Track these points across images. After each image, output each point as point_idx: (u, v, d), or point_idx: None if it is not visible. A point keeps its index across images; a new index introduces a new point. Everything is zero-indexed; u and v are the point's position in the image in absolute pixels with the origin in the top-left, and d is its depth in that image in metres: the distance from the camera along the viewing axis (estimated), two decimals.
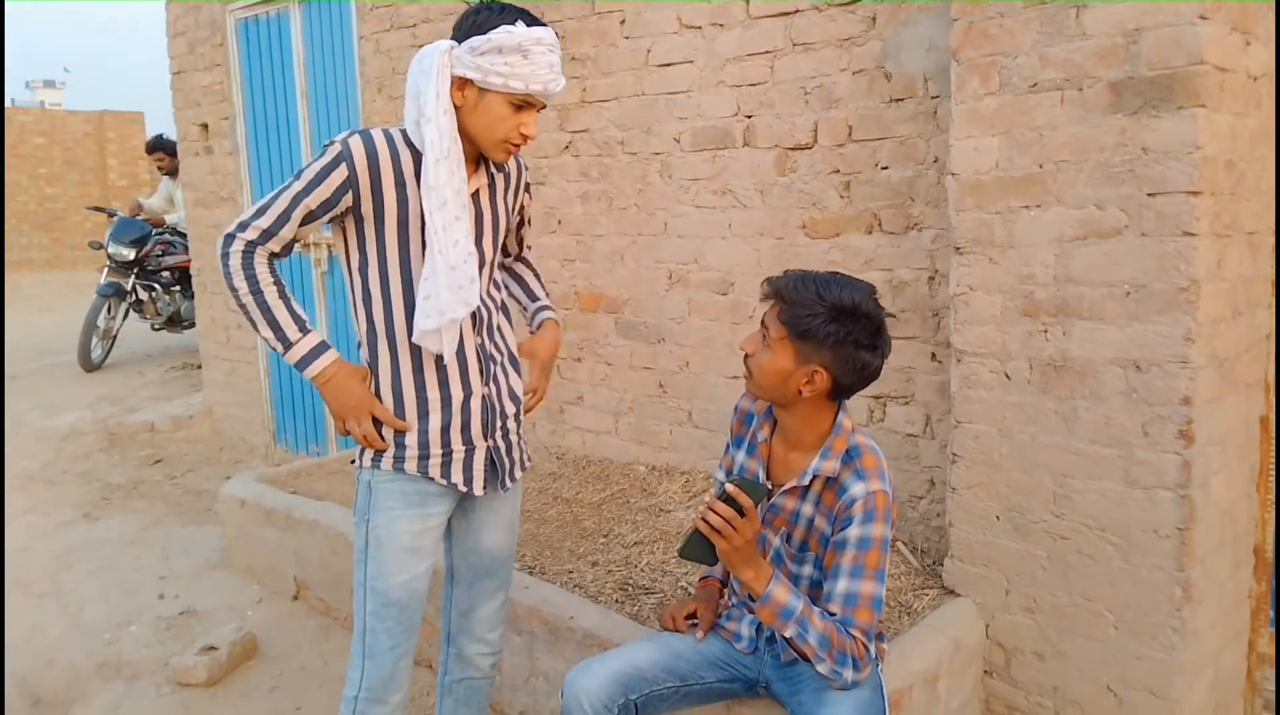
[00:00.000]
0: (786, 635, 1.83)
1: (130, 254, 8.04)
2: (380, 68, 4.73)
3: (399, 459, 2.08)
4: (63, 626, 3.77)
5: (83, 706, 3.20)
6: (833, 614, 1.86)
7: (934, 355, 3.02)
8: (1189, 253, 2.30)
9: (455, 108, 1.95)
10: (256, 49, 5.54)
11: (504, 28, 1.89)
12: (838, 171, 3.18)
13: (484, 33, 1.90)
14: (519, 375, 2.26)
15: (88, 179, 16.59)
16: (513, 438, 2.23)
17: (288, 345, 2.00)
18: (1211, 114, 2.29)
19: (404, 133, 2.01)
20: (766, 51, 3.30)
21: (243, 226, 1.98)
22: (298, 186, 1.96)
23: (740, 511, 1.80)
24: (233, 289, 1.98)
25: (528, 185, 2.27)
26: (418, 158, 1.99)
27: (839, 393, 1.95)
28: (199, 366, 7.25)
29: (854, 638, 1.84)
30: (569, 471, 4.03)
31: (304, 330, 2.02)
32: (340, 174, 1.95)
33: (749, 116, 3.39)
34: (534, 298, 2.42)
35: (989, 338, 2.64)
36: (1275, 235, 2.69)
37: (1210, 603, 2.52)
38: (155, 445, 6.25)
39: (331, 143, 1.97)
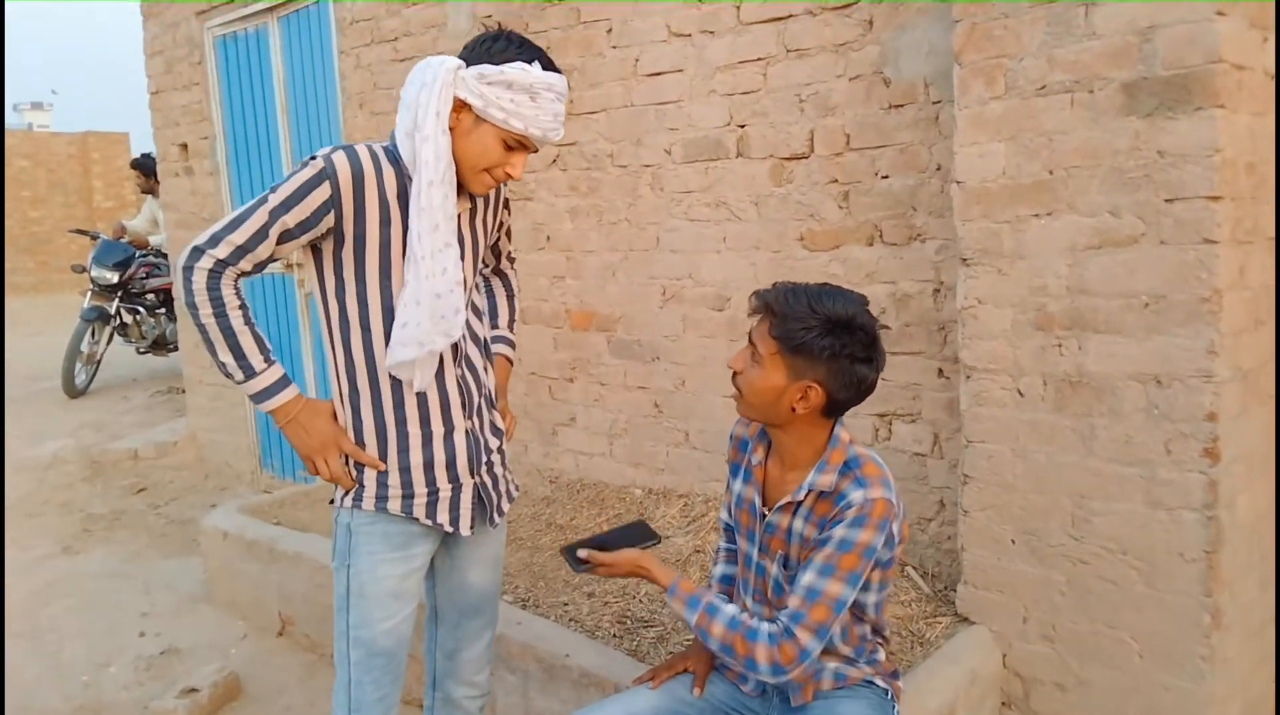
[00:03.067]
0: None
1: (113, 277, 7.90)
2: (361, 83, 4.61)
3: (381, 498, 1.94)
4: (39, 667, 3.62)
5: None
6: (787, 607, 1.77)
7: (941, 371, 2.90)
8: (1210, 261, 2.18)
9: (449, 128, 1.84)
10: (235, 66, 5.41)
11: (519, 64, 1.79)
12: (836, 181, 3.06)
13: (497, 64, 1.79)
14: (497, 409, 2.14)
15: (73, 201, 16.42)
16: (498, 471, 2.10)
17: (250, 374, 1.84)
18: (1230, 114, 2.18)
19: (386, 149, 1.88)
20: (759, 59, 3.19)
21: (214, 241, 1.79)
22: (275, 201, 1.79)
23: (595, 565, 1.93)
24: (191, 307, 1.80)
25: (506, 202, 2.15)
26: (401, 176, 1.86)
27: (834, 409, 1.84)
28: (184, 390, 7.11)
29: (792, 637, 1.74)
30: (563, 496, 3.89)
31: (268, 361, 1.87)
32: (322, 193, 1.80)
33: (742, 126, 3.27)
34: (494, 323, 2.26)
35: (1000, 353, 2.51)
36: None
37: (1238, 628, 2.40)
38: (139, 473, 6.11)
39: (313, 157, 1.83)
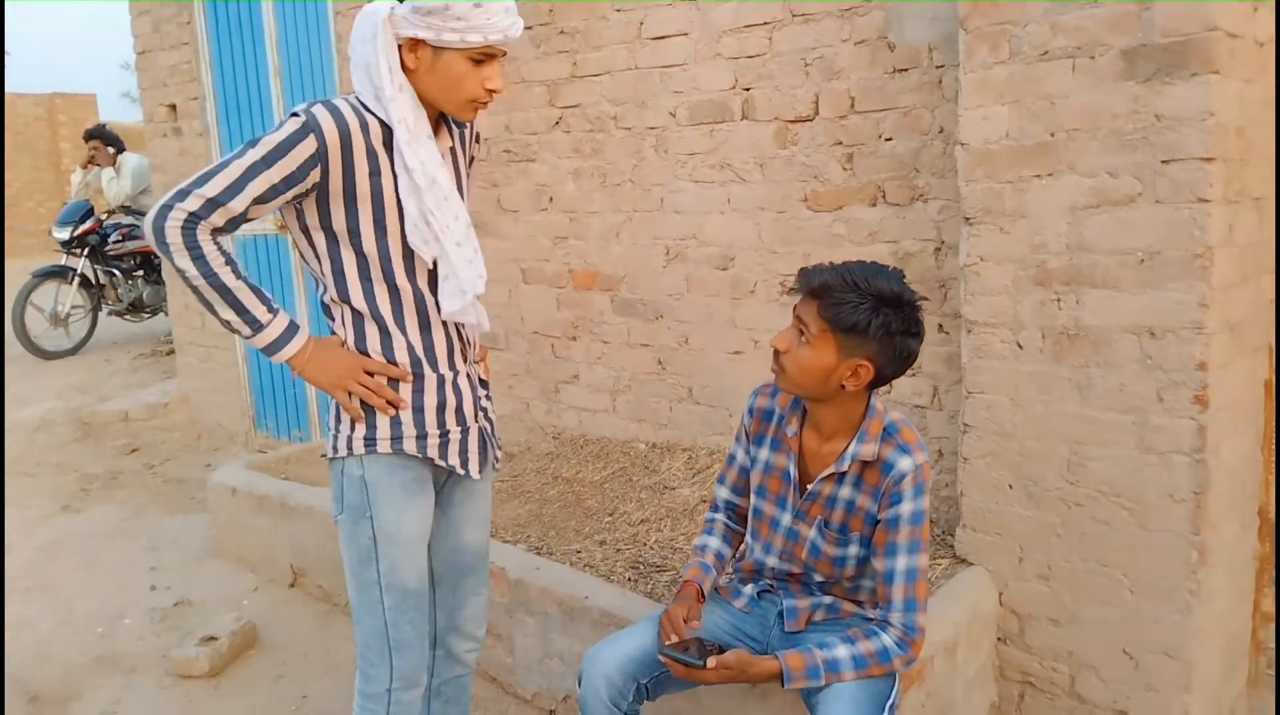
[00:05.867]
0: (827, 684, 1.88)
1: (65, 234, 7.92)
2: None
3: (397, 439, 1.95)
4: (53, 621, 3.69)
5: (82, 702, 3.14)
6: (894, 600, 1.91)
7: (941, 326, 3.02)
8: (1203, 219, 2.31)
9: (410, 71, 1.84)
10: (226, 26, 5.39)
11: None
12: (840, 143, 3.16)
13: None
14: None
15: (40, 164, 16.10)
16: (493, 417, 2.18)
17: (256, 328, 1.83)
18: (1224, 80, 2.30)
19: (363, 102, 1.87)
20: (765, 23, 3.27)
21: (181, 195, 1.75)
22: (254, 156, 1.76)
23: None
24: (179, 270, 1.77)
25: (478, 135, 2.18)
26: (386, 128, 1.86)
27: (879, 382, 1.95)
28: (170, 352, 7.10)
29: (916, 630, 1.91)
30: (566, 451, 4.00)
31: (272, 311, 1.85)
32: (308, 147, 1.78)
33: (747, 89, 3.35)
34: None
35: (1000, 308, 2.64)
36: (1277, 201, 2.71)
37: (1222, 565, 2.56)
38: (130, 434, 6.13)
39: (294, 113, 1.80)
